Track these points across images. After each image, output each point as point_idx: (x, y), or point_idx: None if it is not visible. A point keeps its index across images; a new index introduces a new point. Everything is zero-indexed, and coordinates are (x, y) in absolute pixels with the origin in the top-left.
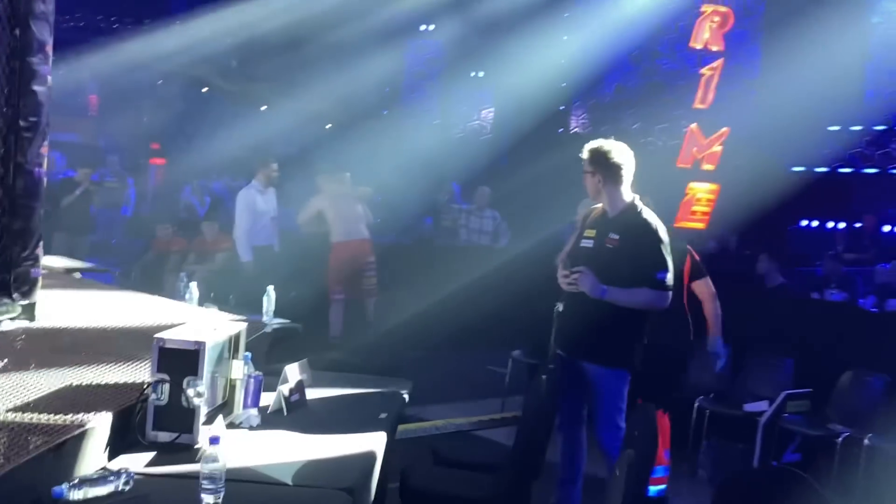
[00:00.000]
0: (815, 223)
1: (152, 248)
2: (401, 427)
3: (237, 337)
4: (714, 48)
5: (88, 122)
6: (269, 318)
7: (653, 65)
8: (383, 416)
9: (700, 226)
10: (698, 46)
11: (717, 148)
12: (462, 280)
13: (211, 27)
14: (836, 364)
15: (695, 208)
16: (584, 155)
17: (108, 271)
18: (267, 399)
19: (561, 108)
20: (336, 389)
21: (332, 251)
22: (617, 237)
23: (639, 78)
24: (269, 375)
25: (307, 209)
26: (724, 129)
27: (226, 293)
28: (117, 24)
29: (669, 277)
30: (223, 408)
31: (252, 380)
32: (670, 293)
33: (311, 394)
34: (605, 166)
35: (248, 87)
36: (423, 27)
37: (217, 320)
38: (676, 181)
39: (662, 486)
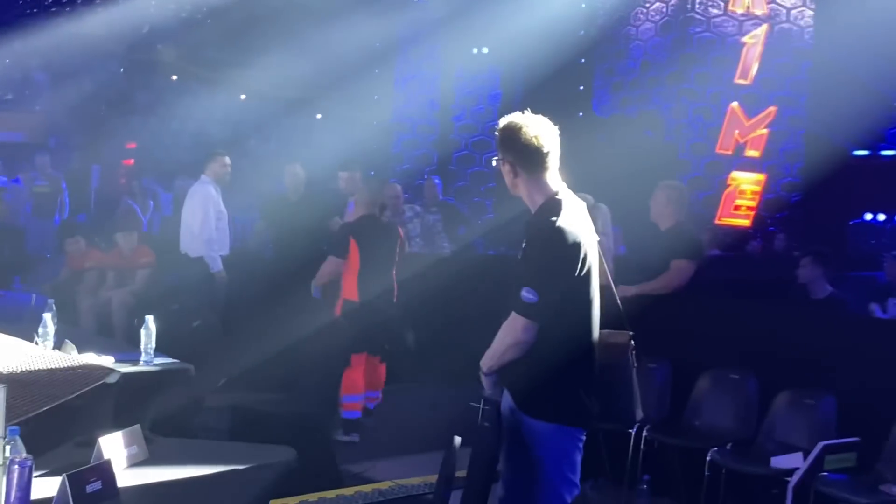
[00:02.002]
0: (881, 217)
1: (66, 265)
2: (334, 493)
3: None
4: (757, 12)
5: (36, 119)
6: (149, 357)
7: (684, 34)
8: None
9: (744, 223)
10: (739, 11)
11: (763, 131)
12: (441, 293)
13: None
14: (892, 406)
15: (738, 202)
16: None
17: None
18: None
19: (580, 88)
20: (176, 469)
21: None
22: (524, 245)
23: (669, 50)
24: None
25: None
26: (771, 108)
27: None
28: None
29: (538, 300)
30: None
31: (16, 467)
32: (532, 324)
33: (138, 476)
34: (514, 149)
35: (221, 73)
36: None
37: None
38: (716, 170)
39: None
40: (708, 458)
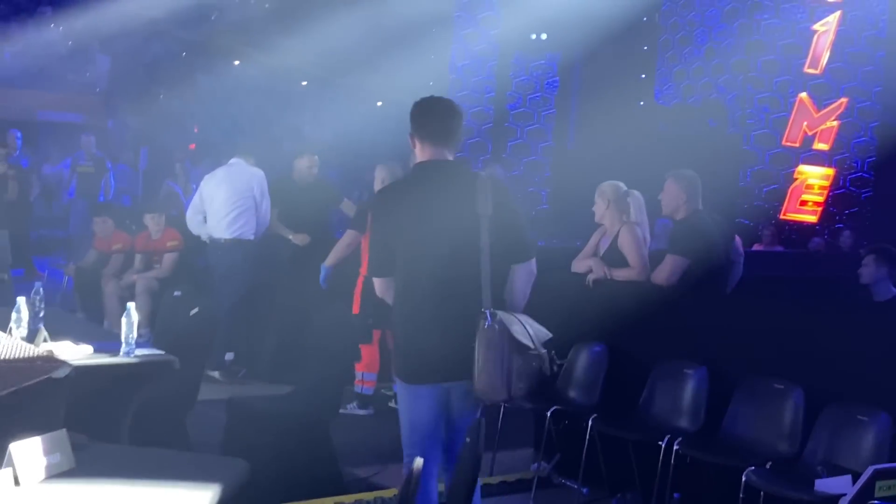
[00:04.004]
0: None
1: (94, 247)
2: (332, 500)
3: None
4: None
5: (96, 100)
6: (130, 348)
7: (751, 20)
8: None
9: (811, 219)
10: None
11: (833, 123)
12: None
13: None
14: None
15: (805, 197)
16: None
17: None
18: None
19: (642, 76)
20: (99, 482)
21: None
22: None
23: (735, 37)
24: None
25: None
26: (842, 99)
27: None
28: None
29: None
30: None
31: None
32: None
33: (54, 489)
34: (413, 123)
35: (281, 59)
36: None
37: None
38: (782, 163)
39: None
40: (744, 479)
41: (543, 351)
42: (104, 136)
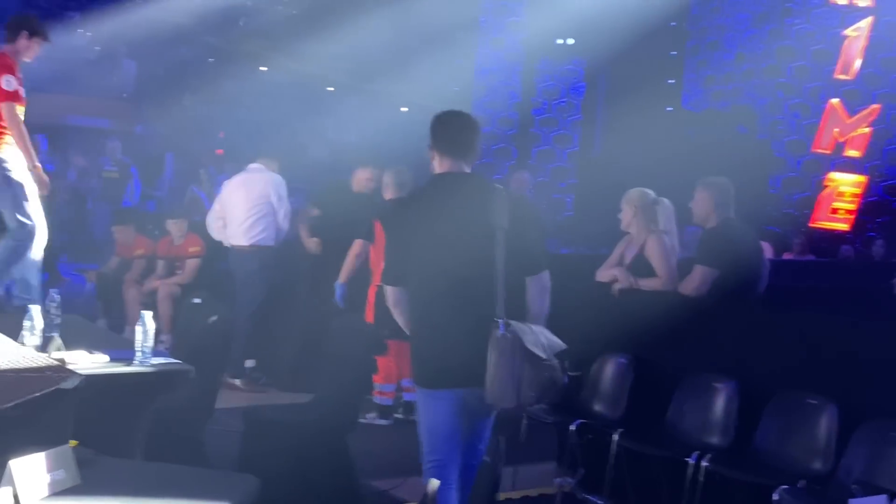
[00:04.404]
0: None
1: (116, 253)
2: None
3: None
4: (861, 3)
5: (123, 106)
6: (145, 356)
7: (782, 26)
8: None
9: (842, 227)
10: (841, 2)
11: (865, 129)
12: None
13: None
14: None
15: (836, 204)
16: None
17: None
18: None
19: (670, 81)
20: (106, 499)
21: None
22: None
23: (766, 42)
24: None
25: None
26: (874, 105)
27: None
28: None
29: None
30: None
31: None
32: (387, 288)
33: None
34: (433, 135)
35: (308, 65)
36: None
37: None
38: (813, 169)
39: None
40: (775, 498)
41: (555, 361)
42: (131, 141)
